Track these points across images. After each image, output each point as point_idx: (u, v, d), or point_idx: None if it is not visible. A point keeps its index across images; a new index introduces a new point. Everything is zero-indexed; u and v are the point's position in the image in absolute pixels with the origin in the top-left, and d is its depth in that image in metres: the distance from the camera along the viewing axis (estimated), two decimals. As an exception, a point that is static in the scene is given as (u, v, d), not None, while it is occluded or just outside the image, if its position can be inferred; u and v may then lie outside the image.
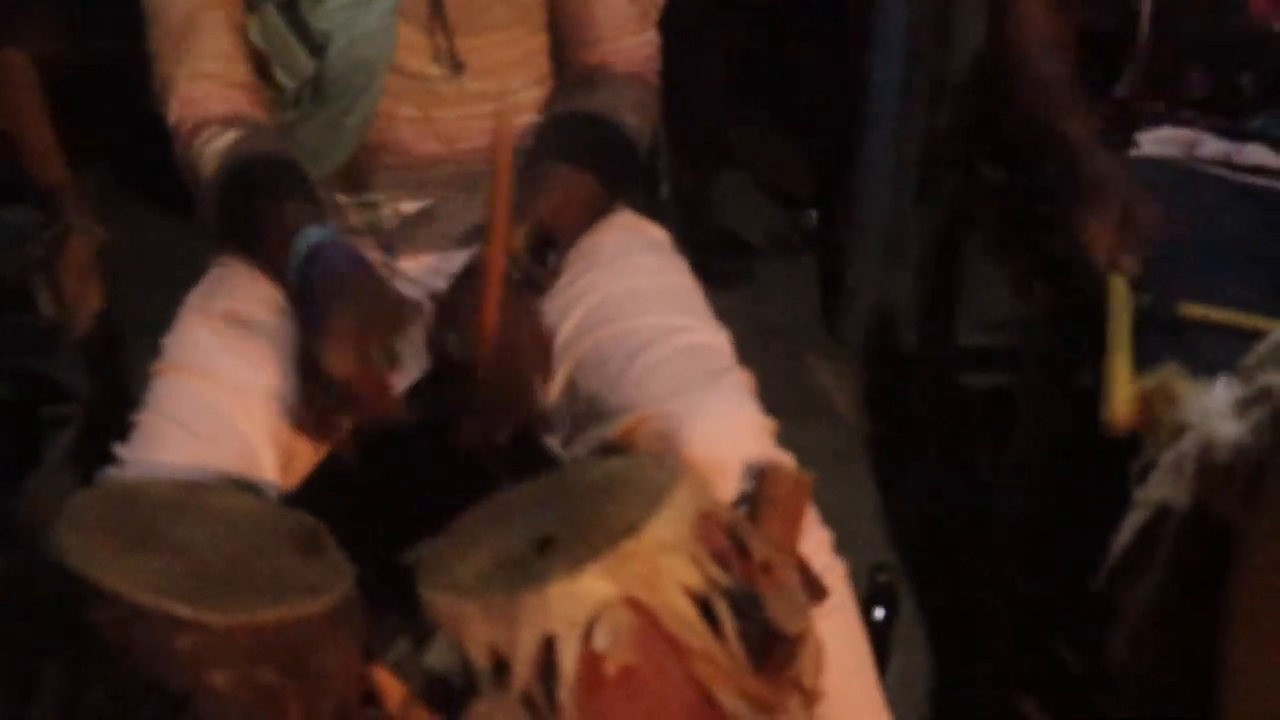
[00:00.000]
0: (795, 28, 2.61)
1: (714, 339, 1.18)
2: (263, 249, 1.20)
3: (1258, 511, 0.86)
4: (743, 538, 0.88)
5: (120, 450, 1.13)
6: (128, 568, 0.83)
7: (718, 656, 0.82)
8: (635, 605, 0.82)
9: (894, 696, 1.20)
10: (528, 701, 0.80)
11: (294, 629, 0.84)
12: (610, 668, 0.81)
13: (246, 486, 1.09)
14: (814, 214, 2.58)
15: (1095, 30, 1.40)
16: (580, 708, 0.80)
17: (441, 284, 1.27)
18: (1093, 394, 1.23)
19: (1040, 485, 1.52)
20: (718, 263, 2.30)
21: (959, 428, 1.89)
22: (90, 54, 2.39)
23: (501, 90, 1.32)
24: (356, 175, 1.32)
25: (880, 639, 1.43)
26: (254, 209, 1.20)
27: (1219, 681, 0.91)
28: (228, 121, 1.24)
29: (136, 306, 1.51)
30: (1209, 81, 1.34)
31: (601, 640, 0.80)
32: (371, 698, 0.88)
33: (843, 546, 1.15)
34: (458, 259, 1.26)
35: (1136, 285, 1.17)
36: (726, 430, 1.07)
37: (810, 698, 0.88)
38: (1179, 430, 0.89)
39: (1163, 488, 0.90)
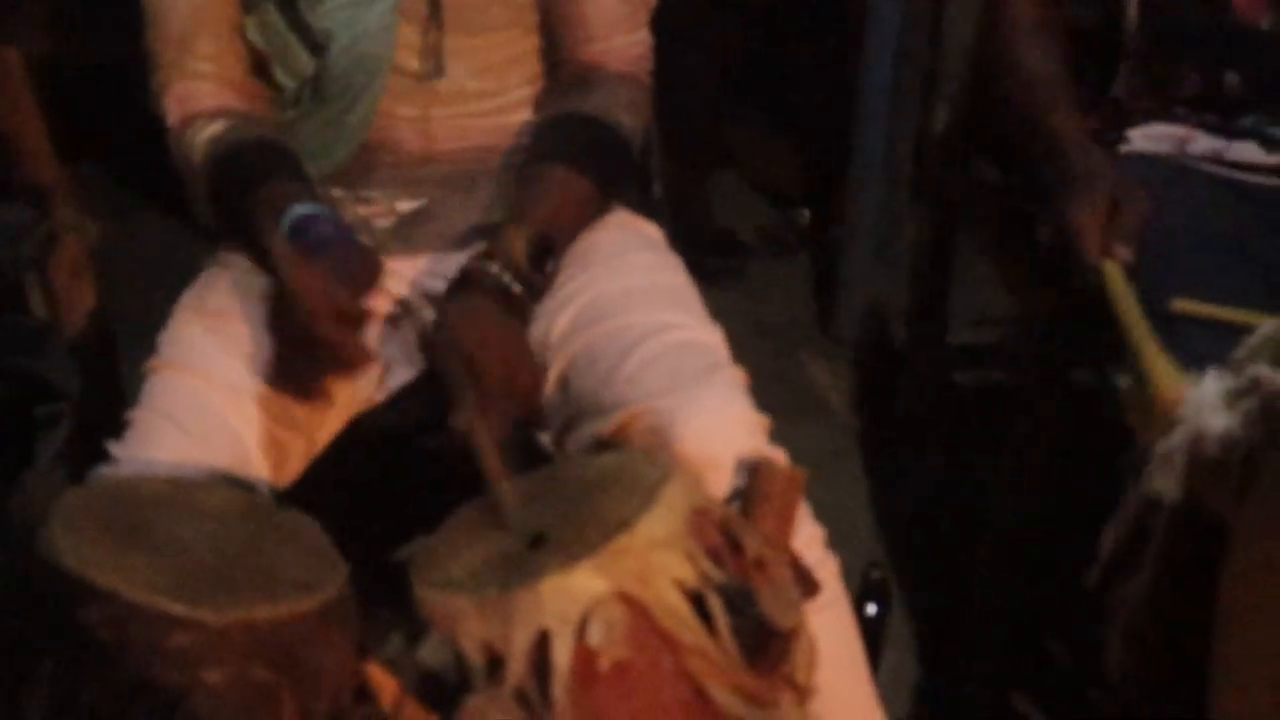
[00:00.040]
0: (788, 27, 2.61)
1: (707, 336, 1.18)
2: (253, 229, 1.20)
3: (1248, 504, 0.86)
4: (736, 533, 0.89)
5: (114, 448, 1.13)
6: (121, 566, 0.83)
7: (711, 652, 0.82)
8: (628, 601, 0.82)
9: (886, 693, 1.20)
10: (521, 697, 0.81)
11: (288, 626, 0.84)
12: (604, 663, 0.81)
13: (239, 484, 1.10)
14: (807, 212, 2.58)
15: (1085, 28, 1.40)
16: (574, 703, 0.80)
17: (437, 284, 1.27)
18: (1093, 392, 1.24)
19: (1035, 483, 1.52)
20: (711, 261, 2.31)
21: (952, 425, 1.89)
22: (84, 53, 2.39)
23: (495, 89, 1.32)
24: (355, 174, 1.33)
25: (873, 636, 1.44)
26: (243, 191, 1.20)
27: (1211, 675, 0.91)
28: (219, 113, 1.24)
29: (129, 306, 1.51)
30: (1199, 79, 1.34)
31: (595, 636, 0.80)
32: (365, 694, 0.88)
33: (836, 543, 1.15)
34: (453, 259, 1.27)
35: (1130, 277, 1.17)
36: (719, 426, 1.07)
37: (803, 693, 0.88)
38: (1170, 424, 0.89)
39: (1154, 480, 0.90)
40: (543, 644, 0.81)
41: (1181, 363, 0.95)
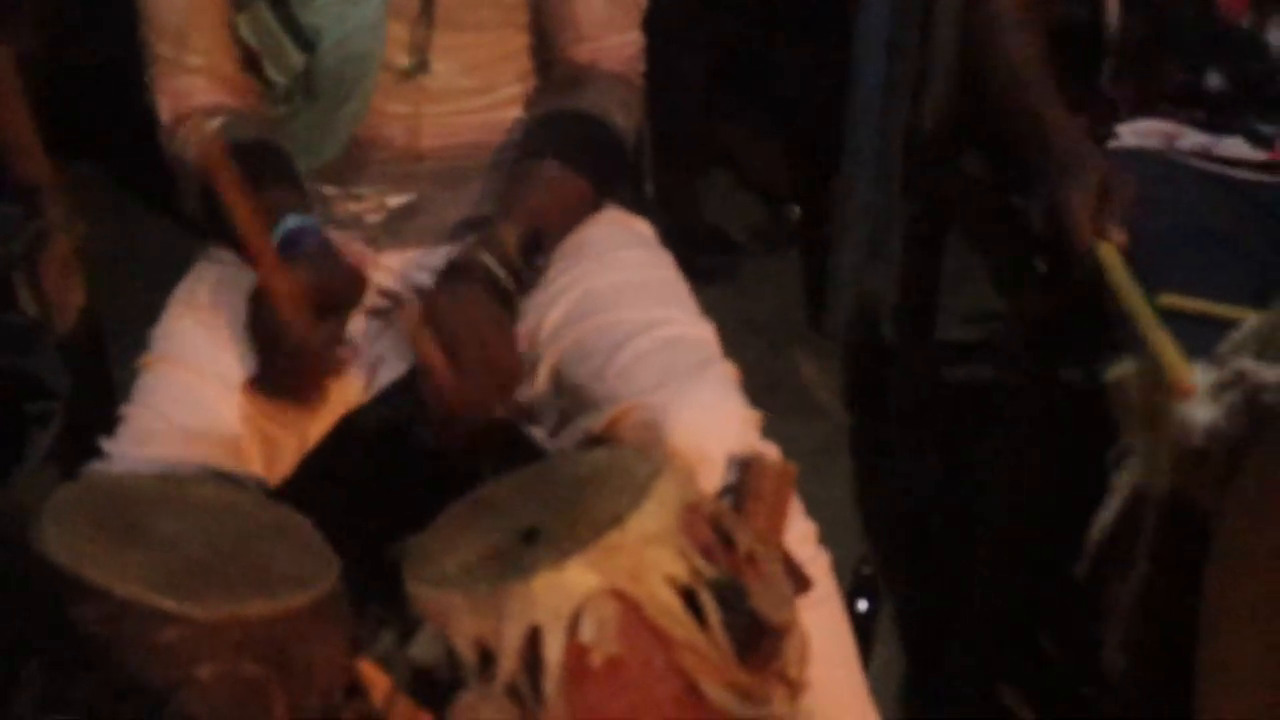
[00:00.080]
0: (780, 25, 2.61)
1: (699, 331, 1.18)
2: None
3: (1232, 496, 0.87)
4: (727, 529, 0.89)
5: (106, 444, 1.13)
6: (112, 561, 0.83)
7: (703, 647, 0.82)
8: (620, 597, 0.82)
9: (877, 688, 1.20)
10: (513, 693, 0.81)
11: (279, 622, 0.84)
12: (595, 659, 0.81)
13: (232, 479, 1.10)
14: (798, 209, 2.58)
15: (1070, 25, 1.40)
16: (566, 699, 0.80)
17: (426, 279, 1.27)
18: (1083, 388, 1.24)
19: (1025, 479, 1.53)
20: (702, 259, 2.31)
21: (942, 421, 1.89)
22: (75, 51, 2.39)
23: (485, 86, 1.32)
24: (345, 170, 1.32)
25: (864, 631, 1.44)
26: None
27: (1197, 668, 0.92)
28: (211, 111, 1.24)
29: (119, 303, 1.51)
30: (1182, 75, 1.35)
31: (587, 632, 0.81)
32: (357, 690, 0.88)
33: (827, 540, 1.15)
34: (442, 254, 1.27)
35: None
36: (711, 422, 1.07)
37: (795, 689, 0.88)
38: (1155, 416, 0.90)
39: (1139, 472, 0.91)
40: (535, 640, 0.81)
41: None
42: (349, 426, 1.27)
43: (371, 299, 1.28)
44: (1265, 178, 1.37)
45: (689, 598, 0.84)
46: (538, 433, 1.22)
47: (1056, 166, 1.24)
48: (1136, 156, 1.37)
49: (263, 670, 0.81)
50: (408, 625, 0.87)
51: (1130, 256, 1.18)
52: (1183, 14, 1.32)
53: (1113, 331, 1.21)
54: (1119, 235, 1.17)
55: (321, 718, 0.86)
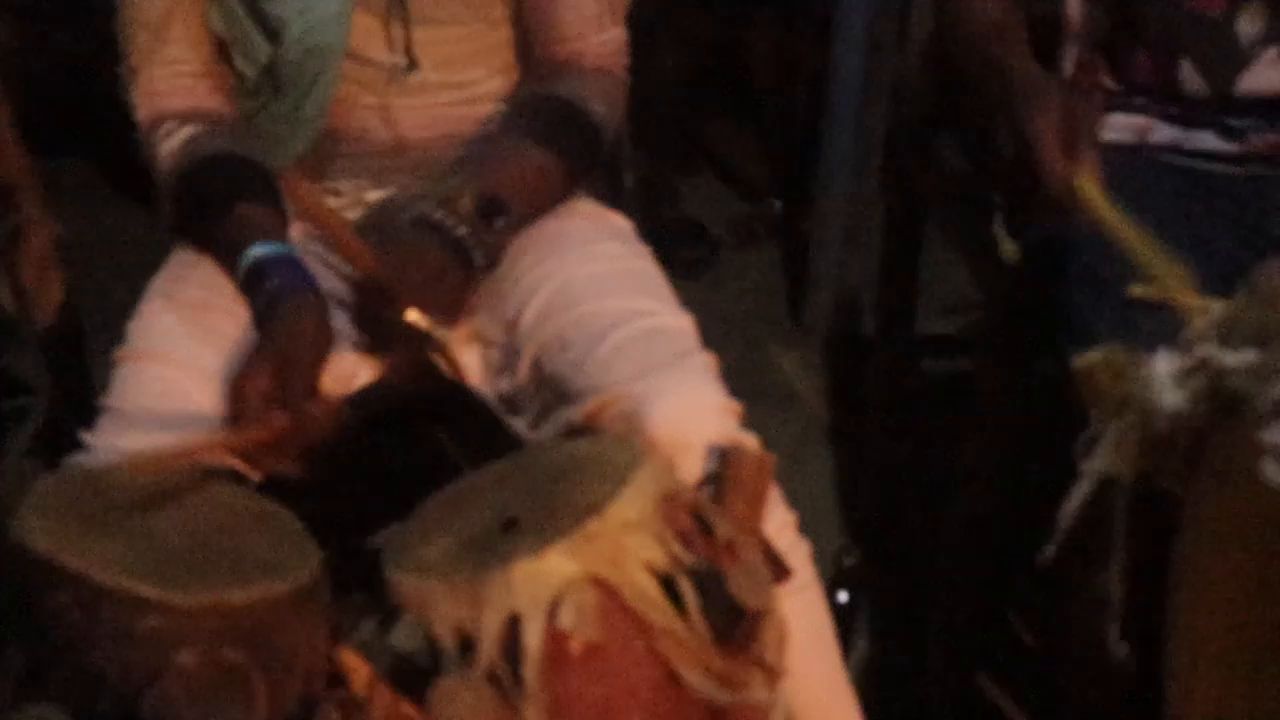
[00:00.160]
0: (758, 19, 2.62)
1: (678, 322, 1.19)
2: (215, 253, 1.21)
3: (1196, 481, 0.88)
4: (706, 517, 0.89)
5: (86, 437, 1.13)
6: (93, 550, 0.83)
7: (681, 634, 0.83)
8: (599, 584, 0.83)
9: (857, 678, 1.21)
10: (493, 679, 0.81)
11: (260, 609, 0.84)
12: (575, 645, 0.82)
13: (212, 470, 1.09)
14: (778, 203, 2.59)
15: (1032, 18, 1.41)
16: (545, 685, 0.81)
17: None
18: (1055, 376, 1.24)
19: (1003, 470, 1.54)
20: (681, 253, 2.32)
21: (920, 413, 1.91)
22: (51, 46, 2.38)
23: (462, 81, 1.32)
24: (322, 164, 1.33)
25: (844, 622, 1.45)
26: (206, 213, 1.20)
27: (1167, 651, 0.93)
28: (186, 116, 1.24)
29: (97, 297, 1.51)
30: (1150, 64, 1.36)
31: (566, 618, 0.81)
32: (338, 679, 0.88)
33: (806, 531, 1.16)
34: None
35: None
36: (690, 411, 1.08)
37: (773, 674, 0.89)
38: (1122, 403, 0.91)
39: (1107, 459, 0.92)
40: (515, 627, 0.82)
41: (1135, 345, 0.96)
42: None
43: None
44: (1236, 170, 1.38)
45: (668, 585, 0.85)
46: (518, 424, 1.23)
47: (1019, 99, 1.23)
48: (1109, 151, 1.38)
49: (243, 657, 0.82)
50: (388, 614, 0.87)
51: (1104, 247, 1.19)
52: (1151, 4, 1.33)
53: (1083, 319, 1.22)
54: (1092, 156, 1.17)
55: (303, 706, 0.86)
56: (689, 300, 1.25)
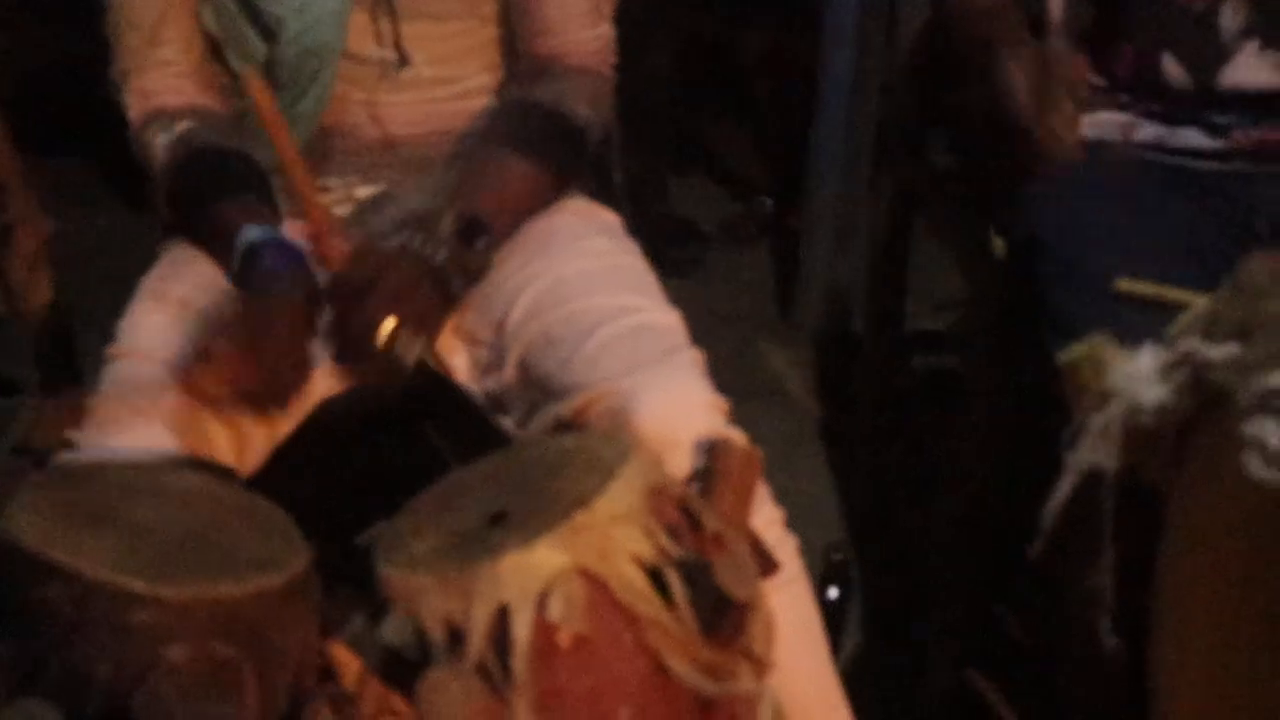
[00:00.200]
0: (748, 17, 2.63)
1: (666, 319, 1.19)
2: (208, 245, 1.21)
3: (1181, 476, 0.88)
4: (694, 510, 0.90)
5: (74, 434, 1.13)
6: (83, 545, 0.83)
7: (669, 625, 0.83)
8: (588, 576, 0.83)
9: (847, 674, 1.22)
10: (482, 671, 0.82)
11: (251, 604, 0.84)
12: (564, 637, 0.82)
13: (202, 466, 1.10)
14: (768, 201, 2.60)
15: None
16: (534, 676, 0.81)
17: None
18: (1043, 370, 1.25)
19: (991, 465, 1.55)
20: (672, 250, 2.32)
21: (909, 410, 1.91)
22: (42, 46, 2.38)
23: (452, 77, 1.33)
24: (313, 160, 1.33)
25: (834, 618, 1.46)
26: (199, 204, 1.21)
27: (1153, 644, 0.93)
28: (179, 113, 1.24)
29: (86, 295, 1.51)
30: (1134, 57, 1.37)
31: (555, 610, 0.81)
32: (328, 673, 0.89)
33: (796, 528, 1.16)
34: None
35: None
36: (677, 407, 1.08)
37: (761, 665, 0.89)
38: (1106, 397, 0.91)
39: (1091, 453, 0.92)
40: (503, 619, 0.82)
41: (1120, 339, 0.97)
42: (319, 417, 1.27)
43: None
44: (1220, 166, 1.39)
45: (656, 577, 0.85)
46: (506, 422, 1.23)
47: (998, 56, 1.23)
48: (1094, 148, 1.39)
49: (234, 652, 0.82)
50: (378, 608, 0.88)
51: (1086, 243, 1.20)
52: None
53: (1067, 314, 1.23)
54: (1066, 108, 1.17)
55: (293, 700, 0.87)
56: (679, 298, 1.25)
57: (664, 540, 0.85)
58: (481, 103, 1.34)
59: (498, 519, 0.88)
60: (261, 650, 0.84)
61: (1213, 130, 1.38)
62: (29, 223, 1.45)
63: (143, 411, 1.12)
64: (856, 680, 1.23)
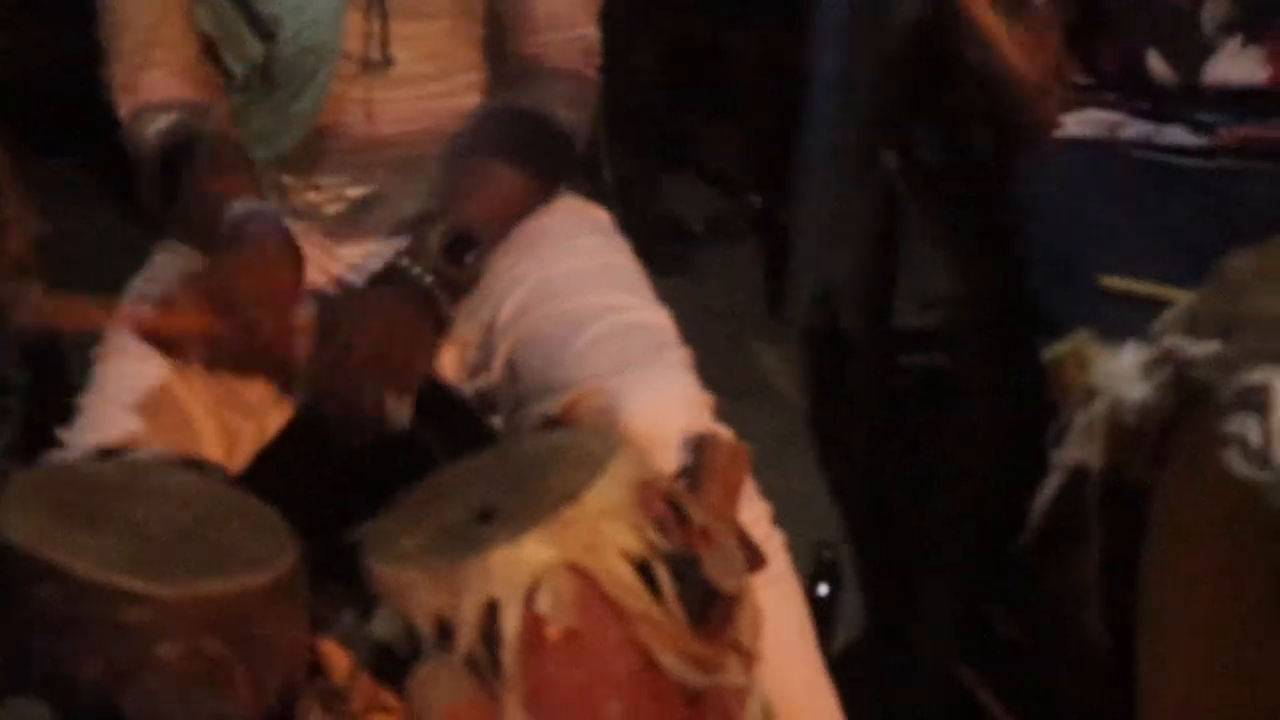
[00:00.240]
0: (736, 13, 2.63)
1: (655, 317, 1.20)
2: (199, 223, 1.21)
3: (1166, 470, 0.89)
4: (682, 506, 0.90)
5: (63, 434, 1.13)
6: (73, 543, 0.84)
7: (657, 618, 0.84)
8: (576, 570, 0.84)
9: (838, 671, 1.22)
10: (472, 665, 0.82)
11: (241, 601, 0.85)
12: (552, 631, 0.83)
13: (192, 464, 1.10)
14: (757, 199, 2.60)
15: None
16: (523, 670, 0.82)
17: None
18: (1032, 367, 1.26)
19: (981, 461, 1.55)
20: (661, 248, 2.32)
21: (899, 407, 1.92)
22: (33, 48, 2.37)
23: (443, 74, 1.33)
24: (305, 159, 1.33)
25: (825, 615, 1.46)
26: (190, 185, 1.21)
27: (1139, 640, 0.94)
28: (170, 105, 1.24)
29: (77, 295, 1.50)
30: (1118, 55, 1.38)
31: (543, 604, 0.82)
32: (318, 669, 0.89)
33: (786, 526, 1.17)
34: (397, 246, 1.27)
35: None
36: (665, 404, 1.09)
37: (749, 658, 0.90)
38: (1090, 394, 0.92)
39: (1076, 450, 0.93)
40: (492, 613, 0.83)
41: (1104, 337, 0.97)
42: (308, 416, 1.28)
43: (329, 290, 1.29)
44: (1206, 164, 1.40)
45: (644, 570, 0.86)
46: (496, 421, 1.23)
47: (984, 23, 1.24)
48: (1081, 146, 1.40)
49: (224, 649, 0.82)
50: (368, 604, 0.88)
51: (1074, 241, 1.20)
52: None
53: (1051, 311, 1.24)
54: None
55: (283, 697, 0.87)
56: (669, 296, 1.26)
57: (652, 534, 0.85)
58: (472, 100, 1.35)
59: (486, 514, 0.88)
60: (252, 647, 0.84)
61: (1198, 128, 1.39)
62: (18, 221, 1.45)
63: (132, 410, 1.13)
64: (848, 677, 1.23)
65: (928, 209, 1.73)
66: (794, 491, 1.85)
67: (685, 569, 0.85)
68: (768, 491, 1.15)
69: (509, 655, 0.81)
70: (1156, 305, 1.06)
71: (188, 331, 1.08)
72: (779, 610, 1.08)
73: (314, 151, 1.32)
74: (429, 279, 1.15)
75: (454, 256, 1.17)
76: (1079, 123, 1.40)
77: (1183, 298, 1.02)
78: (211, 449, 1.16)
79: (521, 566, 0.83)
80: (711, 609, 0.86)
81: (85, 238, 2.25)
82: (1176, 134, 1.40)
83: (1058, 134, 1.42)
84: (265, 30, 1.25)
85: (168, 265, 1.27)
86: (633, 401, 1.08)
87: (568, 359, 1.14)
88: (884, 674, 1.62)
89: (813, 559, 1.53)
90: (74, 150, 2.46)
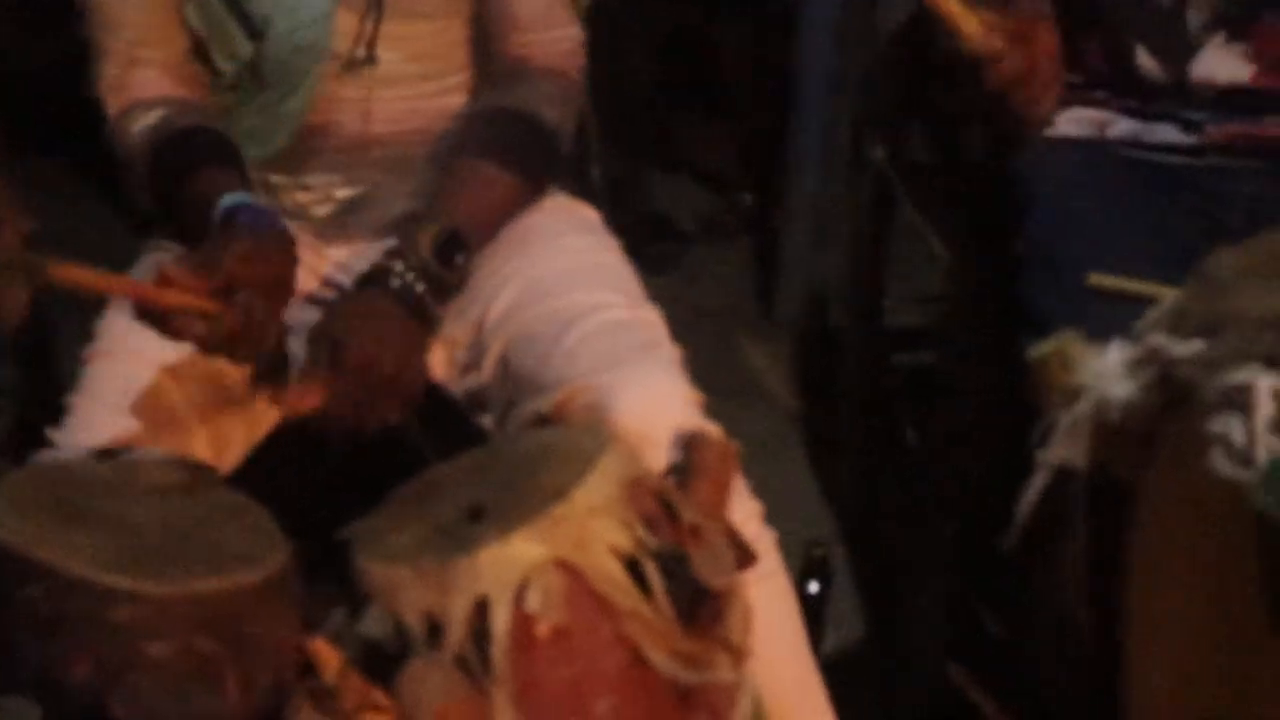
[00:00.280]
0: (726, 12, 2.63)
1: (644, 314, 1.20)
2: (190, 218, 1.21)
3: (1150, 469, 0.89)
4: (671, 502, 0.91)
5: (53, 434, 1.13)
6: (63, 542, 0.84)
7: (647, 615, 0.84)
8: (566, 567, 0.84)
9: (829, 669, 1.22)
10: (462, 663, 0.82)
11: (231, 599, 0.85)
12: (542, 628, 0.83)
13: (181, 463, 1.10)
14: (747, 197, 2.61)
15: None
16: (513, 667, 0.82)
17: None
18: (1022, 366, 1.26)
19: (971, 460, 1.56)
20: (651, 247, 2.32)
21: (889, 406, 1.92)
22: (22, 48, 2.37)
23: (434, 74, 1.33)
24: (295, 159, 1.33)
25: (815, 613, 1.47)
26: (178, 179, 1.20)
27: (1126, 638, 0.94)
28: (157, 102, 1.24)
29: (66, 296, 1.50)
30: (1103, 52, 1.38)
31: (533, 602, 0.82)
32: (309, 668, 0.89)
33: (777, 525, 1.17)
34: (387, 246, 1.27)
35: None
36: (654, 402, 1.09)
37: (739, 655, 0.90)
38: (1075, 393, 0.92)
39: (1061, 449, 0.93)
40: (482, 611, 0.83)
41: (1089, 335, 0.98)
42: (298, 418, 1.28)
43: (317, 290, 1.29)
44: (1195, 162, 1.41)
45: (634, 568, 0.86)
46: (486, 420, 1.24)
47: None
48: (1070, 144, 1.40)
49: (215, 647, 0.82)
50: (358, 602, 0.88)
51: (1062, 239, 1.21)
52: None
53: (1037, 309, 1.24)
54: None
55: (274, 695, 0.87)
56: (659, 295, 1.26)
57: (641, 532, 0.86)
58: (461, 100, 1.35)
59: (477, 513, 0.89)
60: (242, 645, 0.85)
61: (1186, 126, 1.40)
62: (6, 221, 1.45)
63: (122, 411, 1.13)
64: (838, 675, 1.24)
65: (918, 208, 1.73)
66: (784, 490, 1.86)
67: (675, 566, 0.85)
68: (758, 490, 1.16)
69: (499, 653, 0.81)
70: (1146, 303, 1.07)
71: (185, 307, 1.06)
72: (769, 607, 1.08)
73: (303, 151, 1.32)
74: (419, 283, 1.14)
75: (443, 258, 1.16)
76: (1068, 121, 1.40)
77: (1166, 294, 1.02)
78: (201, 449, 1.16)
79: (511, 564, 0.83)
80: (701, 606, 0.86)
81: (77, 236, 2.24)
82: (1165, 132, 1.40)
83: (1047, 133, 1.42)
84: (255, 29, 1.25)
85: (154, 266, 1.26)
86: (623, 399, 1.09)
87: (558, 357, 1.14)
88: (874, 671, 1.63)
89: (803, 557, 1.53)
90: (66, 149, 2.46)
